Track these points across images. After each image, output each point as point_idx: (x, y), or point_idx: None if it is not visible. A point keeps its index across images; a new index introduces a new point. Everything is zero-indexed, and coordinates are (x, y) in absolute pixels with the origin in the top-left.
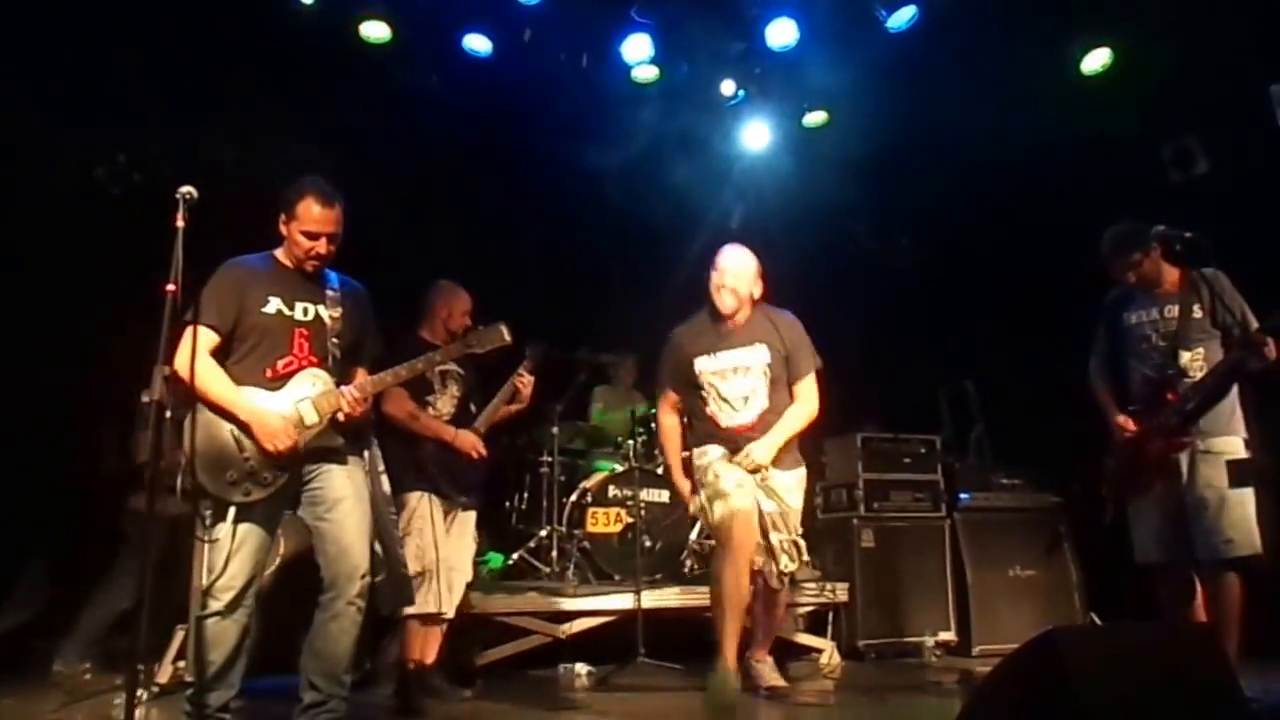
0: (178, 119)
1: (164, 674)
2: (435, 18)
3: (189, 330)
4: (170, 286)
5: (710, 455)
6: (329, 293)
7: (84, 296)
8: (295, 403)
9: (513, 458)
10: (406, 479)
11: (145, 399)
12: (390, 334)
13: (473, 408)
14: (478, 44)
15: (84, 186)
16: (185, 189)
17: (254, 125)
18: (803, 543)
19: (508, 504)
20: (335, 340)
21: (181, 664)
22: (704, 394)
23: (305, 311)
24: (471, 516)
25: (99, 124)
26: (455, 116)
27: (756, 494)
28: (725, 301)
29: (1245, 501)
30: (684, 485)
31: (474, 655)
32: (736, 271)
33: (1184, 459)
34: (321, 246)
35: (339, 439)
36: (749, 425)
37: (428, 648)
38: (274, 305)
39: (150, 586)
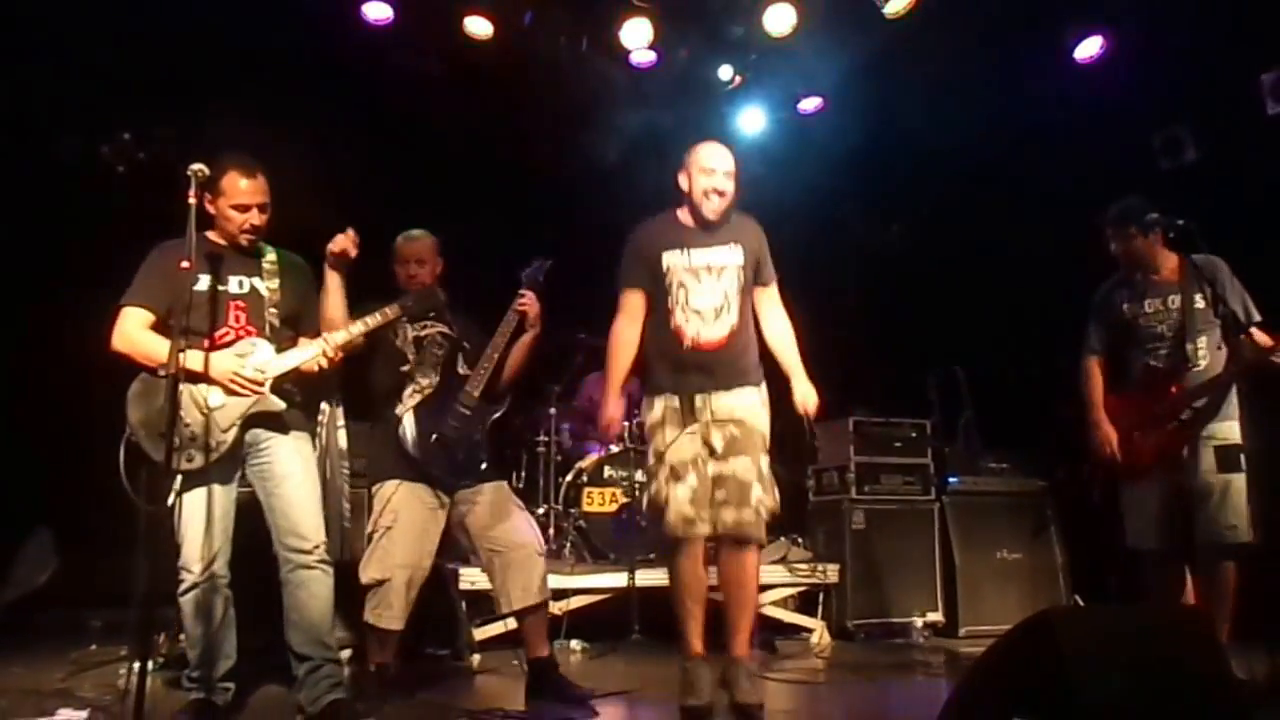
0: (182, 97)
1: (167, 645)
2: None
3: (122, 311)
4: (184, 263)
5: (665, 423)
6: (265, 266)
7: (90, 271)
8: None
9: (510, 437)
10: (386, 466)
11: (160, 373)
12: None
13: (462, 368)
14: (478, 27)
15: (89, 164)
16: (196, 166)
17: (257, 105)
18: (768, 477)
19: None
20: (273, 310)
21: (184, 636)
22: (670, 300)
23: (240, 284)
24: (498, 488)
25: (104, 101)
26: (456, 99)
27: (710, 469)
28: (714, 206)
29: (1245, 489)
30: (616, 412)
31: (470, 630)
32: (730, 170)
33: (1186, 447)
34: (254, 217)
35: (281, 404)
36: (718, 343)
37: (386, 650)
38: (204, 282)
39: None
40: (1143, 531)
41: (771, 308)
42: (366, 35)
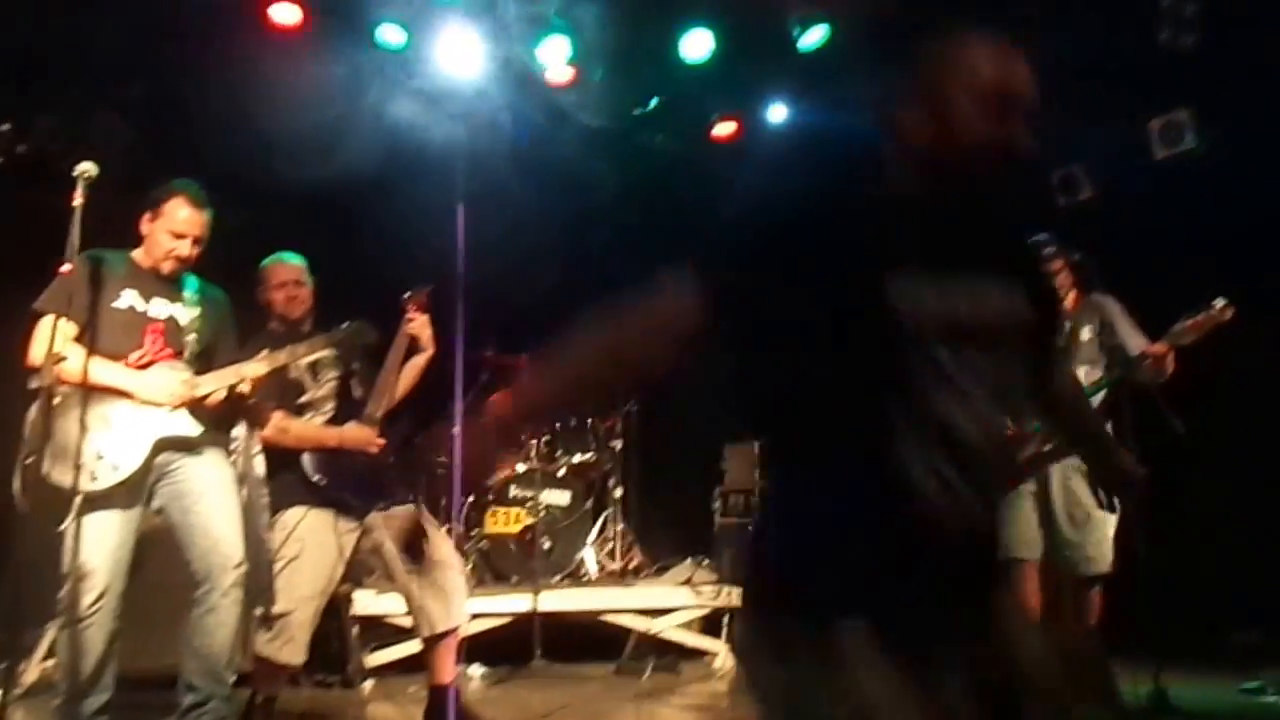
0: (69, 88)
1: (32, 673)
2: (349, 4)
3: (42, 321)
4: (66, 268)
5: None
6: (186, 294)
7: None
8: None
9: (409, 456)
10: (288, 494)
11: (34, 385)
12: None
13: (356, 390)
14: (392, 36)
15: None
16: (84, 165)
17: (152, 103)
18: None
19: None
20: (192, 338)
21: (50, 663)
22: None
23: (160, 309)
24: (412, 509)
25: None
26: (365, 107)
27: None
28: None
29: (1109, 520)
30: None
31: (362, 656)
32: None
33: (1055, 469)
34: (185, 248)
35: (196, 427)
36: None
37: (277, 683)
38: (126, 300)
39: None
40: (1012, 543)
41: None
42: (273, 36)
